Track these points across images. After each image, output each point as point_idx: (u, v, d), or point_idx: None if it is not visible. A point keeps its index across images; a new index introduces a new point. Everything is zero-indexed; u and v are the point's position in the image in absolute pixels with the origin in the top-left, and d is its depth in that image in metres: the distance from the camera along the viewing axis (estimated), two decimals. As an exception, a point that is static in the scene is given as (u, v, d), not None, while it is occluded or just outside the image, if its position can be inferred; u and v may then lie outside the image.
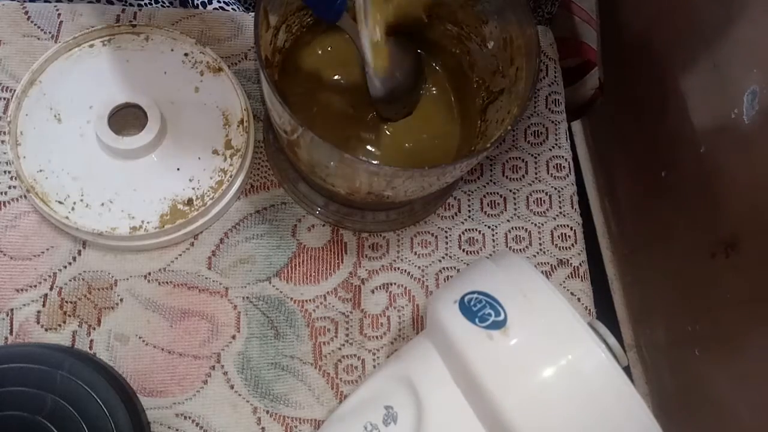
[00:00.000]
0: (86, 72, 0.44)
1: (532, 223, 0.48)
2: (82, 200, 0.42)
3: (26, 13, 0.47)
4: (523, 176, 0.49)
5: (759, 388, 0.47)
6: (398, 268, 0.46)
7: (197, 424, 0.41)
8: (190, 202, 0.43)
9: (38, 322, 0.41)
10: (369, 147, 0.44)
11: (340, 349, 0.43)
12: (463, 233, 0.47)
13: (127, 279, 0.42)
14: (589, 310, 0.47)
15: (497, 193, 0.49)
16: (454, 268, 0.46)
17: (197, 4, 0.50)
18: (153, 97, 0.44)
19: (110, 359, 0.41)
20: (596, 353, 0.30)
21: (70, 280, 0.42)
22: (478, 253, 0.47)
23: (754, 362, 0.47)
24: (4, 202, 0.43)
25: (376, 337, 0.44)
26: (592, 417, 0.30)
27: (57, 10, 0.47)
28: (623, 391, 0.30)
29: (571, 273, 0.47)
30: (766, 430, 0.46)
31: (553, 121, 0.51)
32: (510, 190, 0.49)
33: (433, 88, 0.46)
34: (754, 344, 0.47)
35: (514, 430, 0.30)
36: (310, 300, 0.44)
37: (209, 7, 0.50)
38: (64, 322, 0.41)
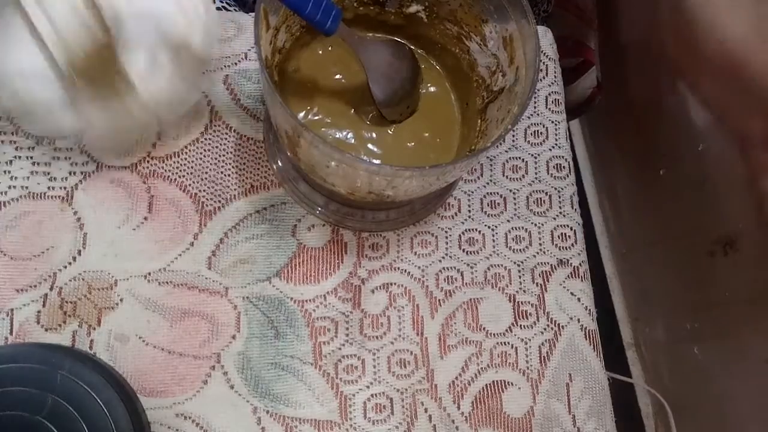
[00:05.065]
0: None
1: (532, 223, 0.48)
2: None
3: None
4: (523, 176, 0.49)
5: (758, 386, 0.47)
6: (398, 268, 0.46)
7: (197, 424, 0.41)
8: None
9: (38, 322, 0.41)
10: (369, 146, 0.44)
11: (340, 348, 0.43)
12: (463, 233, 0.47)
13: (127, 279, 0.42)
14: (589, 310, 0.47)
15: (497, 193, 0.49)
16: (454, 268, 0.46)
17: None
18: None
19: (110, 359, 0.41)
20: None
21: (70, 280, 0.42)
22: (478, 253, 0.47)
23: (753, 360, 0.47)
24: (4, 202, 0.43)
25: (376, 337, 0.44)
26: None
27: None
28: None
29: (571, 273, 0.47)
30: (765, 427, 0.46)
31: (553, 121, 0.51)
32: (510, 190, 0.49)
33: (433, 88, 0.46)
34: (753, 342, 0.47)
35: None
36: (310, 300, 0.44)
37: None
38: (64, 322, 0.41)
